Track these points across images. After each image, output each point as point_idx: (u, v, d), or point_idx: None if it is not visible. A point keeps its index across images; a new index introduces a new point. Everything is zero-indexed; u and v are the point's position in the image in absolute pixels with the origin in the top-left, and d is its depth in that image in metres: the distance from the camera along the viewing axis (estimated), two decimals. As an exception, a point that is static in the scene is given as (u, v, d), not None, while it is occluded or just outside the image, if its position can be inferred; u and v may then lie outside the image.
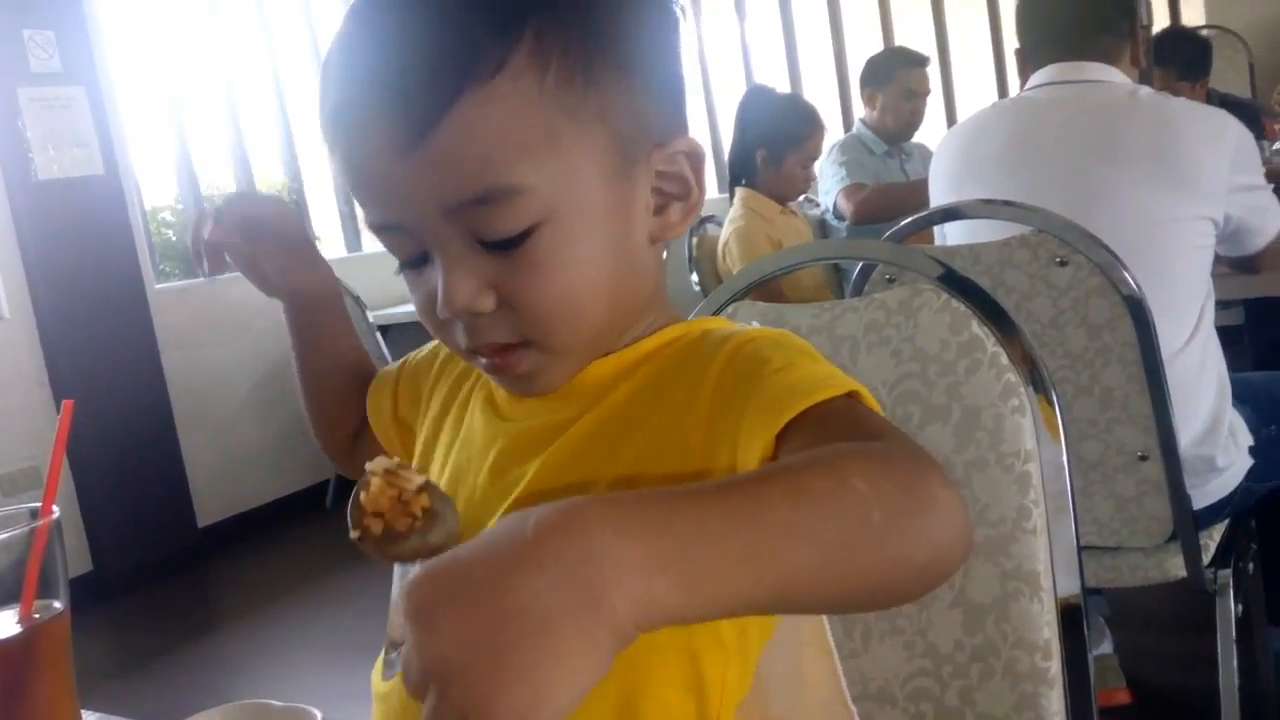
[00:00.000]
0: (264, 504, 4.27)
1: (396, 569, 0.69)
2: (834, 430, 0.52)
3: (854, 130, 3.48)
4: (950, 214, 1.53)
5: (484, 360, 0.62)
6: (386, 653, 0.68)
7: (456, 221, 0.57)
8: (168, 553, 3.82)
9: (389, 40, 0.57)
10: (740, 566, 0.40)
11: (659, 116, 0.62)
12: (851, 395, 0.55)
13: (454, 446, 0.71)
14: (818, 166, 3.12)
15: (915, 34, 5.19)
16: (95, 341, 3.70)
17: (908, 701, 0.94)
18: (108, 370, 3.71)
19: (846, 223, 3.22)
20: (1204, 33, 4.00)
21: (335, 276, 0.90)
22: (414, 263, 0.61)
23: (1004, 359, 0.93)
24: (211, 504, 4.06)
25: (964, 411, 0.93)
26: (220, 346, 4.21)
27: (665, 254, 0.68)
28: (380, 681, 0.68)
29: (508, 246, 0.57)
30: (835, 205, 3.29)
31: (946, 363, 0.94)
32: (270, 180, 5.02)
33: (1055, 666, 0.88)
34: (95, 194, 3.73)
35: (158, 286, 4.02)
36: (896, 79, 3.34)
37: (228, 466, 4.18)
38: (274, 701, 0.71)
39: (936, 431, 0.94)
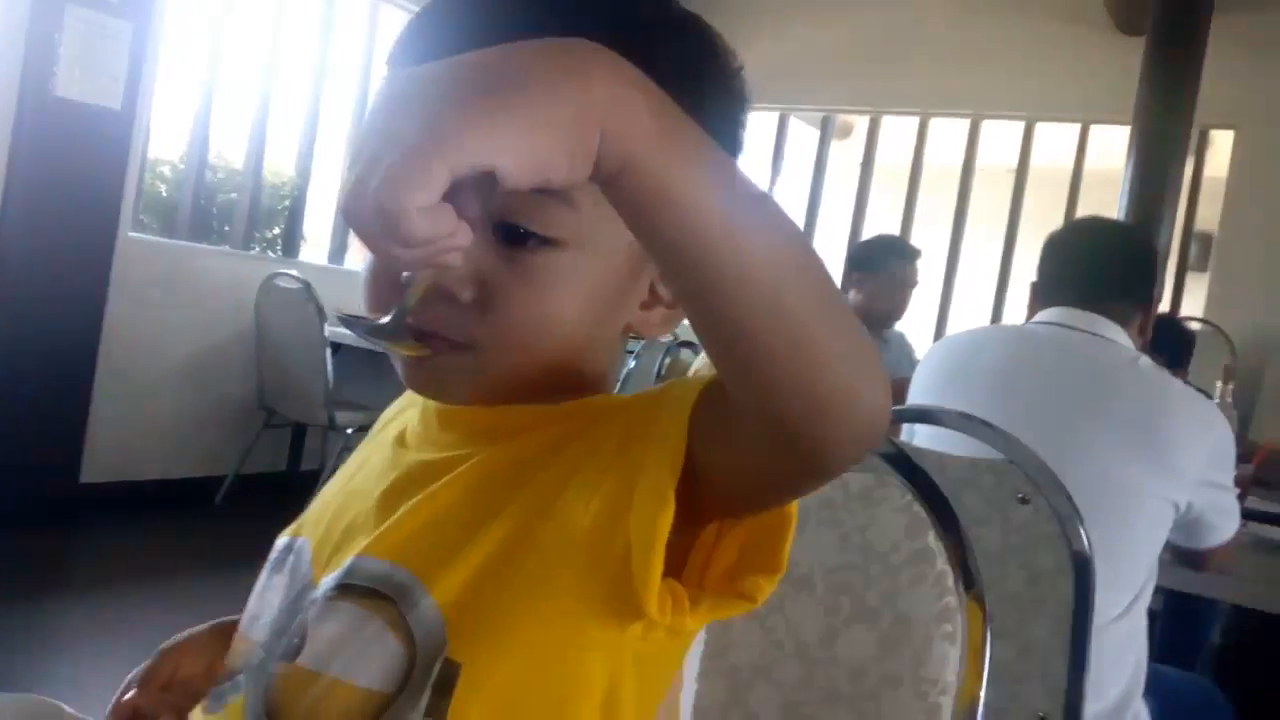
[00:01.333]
0: (154, 479, 4.10)
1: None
2: None
3: None
4: (926, 416, 1.50)
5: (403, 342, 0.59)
6: (218, 683, 0.62)
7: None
8: (41, 500, 3.62)
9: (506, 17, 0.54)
10: (698, 159, 0.39)
11: None
12: None
13: (353, 477, 0.67)
14: None
15: (933, 224, 5.31)
16: (50, 264, 3.58)
17: None
18: (52, 295, 3.59)
19: None
20: (1194, 325, 4.11)
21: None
22: None
23: (949, 581, 0.89)
24: (102, 463, 3.88)
25: (895, 621, 0.88)
26: (169, 310, 4.09)
27: (629, 363, 0.67)
28: (200, 714, 0.62)
29: (521, 242, 0.56)
30: None
31: (892, 566, 0.90)
32: (278, 170, 4.97)
33: None
34: (104, 126, 3.66)
35: (130, 234, 3.92)
36: (887, 266, 3.32)
37: (131, 430, 4.01)
38: (67, 708, 0.62)
39: (860, 633, 0.89)
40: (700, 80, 0.59)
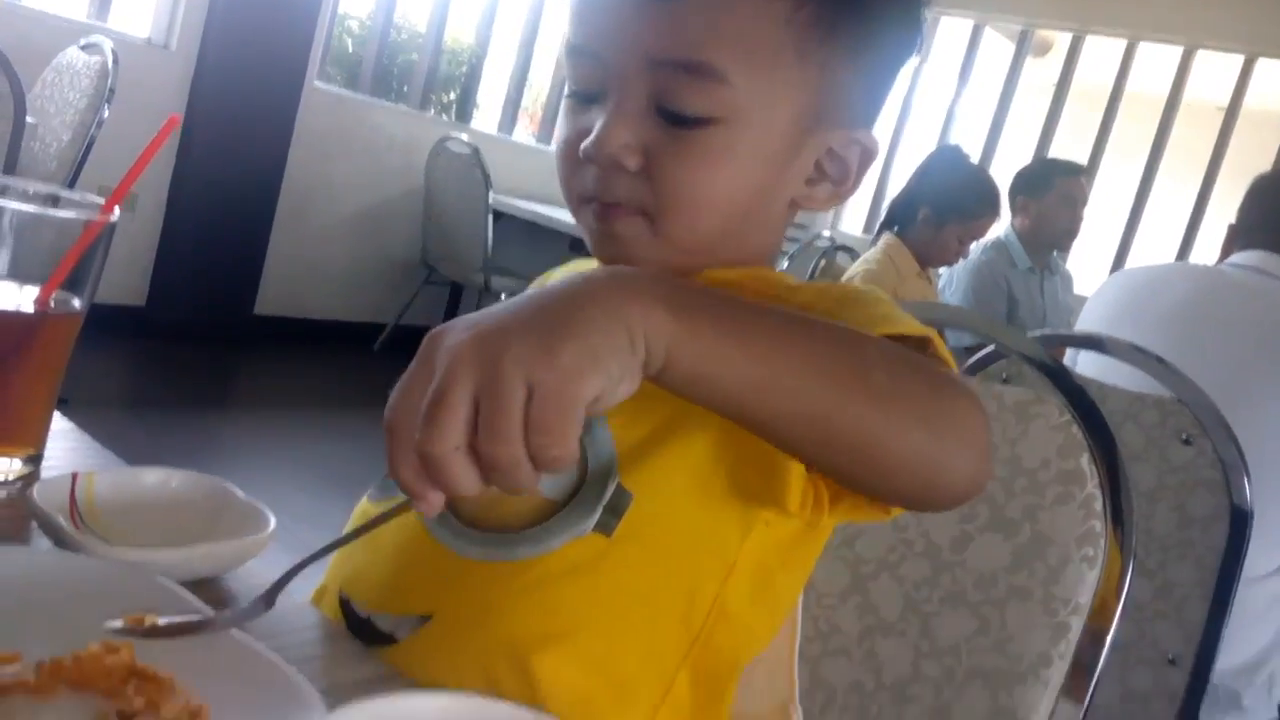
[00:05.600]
0: (320, 319, 4.32)
1: None
2: None
3: (1002, 236, 3.17)
4: (1096, 343, 1.43)
5: (591, 210, 0.64)
6: (387, 474, 0.67)
7: (653, 75, 0.59)
8: (217, 323, 3.89)
9: None
10: (741, 360, 0.45)
11: (858, 104, 0.65)
12: (925, 341, 0.57)
13: None
14: (956, 268, 3.01)
15: (1126, 157, 5.00)
16: (240, 107, 3.75)
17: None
18: (239, 138, 3.76)
19: None
20: None
21: None
22: (586, 96, 0.62)
23: (1098, 505, 0.86)
24: (274, 298, 4.11)
25: (1033, 537, 0.86)
26: (345, 160, 4.24)
27: (783, 263, 0.69)
28: (367, 502, 0.69)
29: (680, 123, 0.59)
30: None
31: (1038, 483, 0.87)
32: (459, 37, 5.03)
33: (1006, 828, 0.81)
34: (300, -25, 3.77)
35: (315, 83, 4.05)
36: (1056, 186, 3.11)
37: (302, 271, 4.22)
38: (238, 490, 0.67)
39: (994, 542, 0.87)
40: None
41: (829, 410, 0.47)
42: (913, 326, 0.57)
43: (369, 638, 0.62)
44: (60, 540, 0.59)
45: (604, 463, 0.59)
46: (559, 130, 0.65)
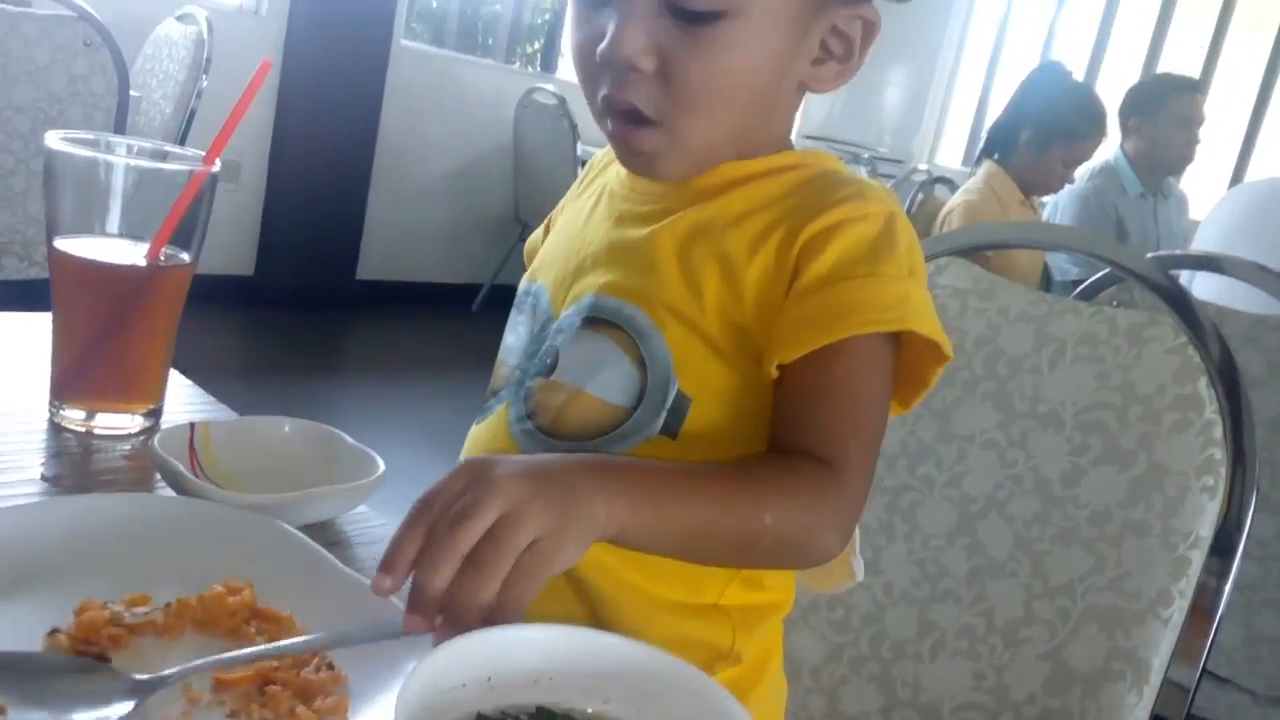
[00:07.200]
0: (419, 281, 4.40)
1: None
2: (827, 388, 0.60)
3: (1111, 160, 3.02)
4: (1213, 264, 1.37)
5: (611, 126, 0.65)
6: (484, 401, 0.74)
7: None
8: (322, 288, 3.99)
9: None
10: (667, 533, 0.54)
11: None
12: (893, 336, 0.61)
13: (573, 225, 0.75)
14: (1061, 195, 2.89)
15: (1245, 66, 4.72)
16: (332, 70, 3.80)
17: (952, 726, 0.87)
18: (333, 101, 3.82)
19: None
20: None
21: None
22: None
23: (1218, 433, 0.82)
24: (375, 262, 4.19)
25: (1150, 468, 0.83)
26: (437, 119, 4.27)
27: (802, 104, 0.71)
28: (475, 427, 0.74)
29: (691, 20, 0.60)
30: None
31: (1154, 410, 0.84)
32: (538, 2, 5.00)
33: (1125, 765, 0.80)
34: (380, -69, 3.78)
35: (403, 41, 4.08)
36: (1169, 105, 2.95)
37: (400, 234, 4.29)
38: (347, 437, 0.69)
39: (1107, 475, 0.84)
40: None
41: (729, 554, 0.60)
42: (888, 319, 0.60)
43: None
44: (181, 487, 0.62)
45: (662, 370, 0.63)
46: (573, 35, 0.66)
